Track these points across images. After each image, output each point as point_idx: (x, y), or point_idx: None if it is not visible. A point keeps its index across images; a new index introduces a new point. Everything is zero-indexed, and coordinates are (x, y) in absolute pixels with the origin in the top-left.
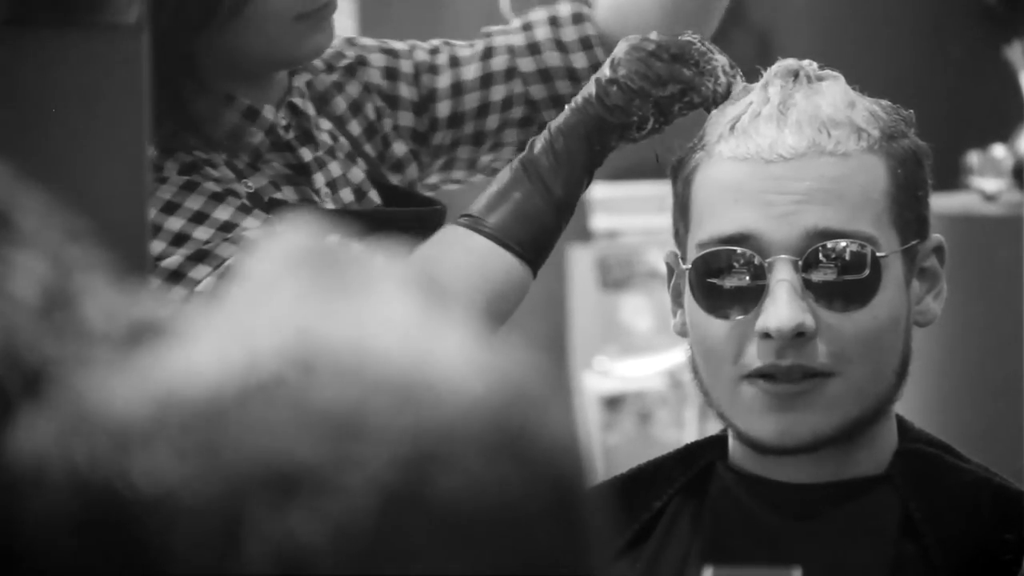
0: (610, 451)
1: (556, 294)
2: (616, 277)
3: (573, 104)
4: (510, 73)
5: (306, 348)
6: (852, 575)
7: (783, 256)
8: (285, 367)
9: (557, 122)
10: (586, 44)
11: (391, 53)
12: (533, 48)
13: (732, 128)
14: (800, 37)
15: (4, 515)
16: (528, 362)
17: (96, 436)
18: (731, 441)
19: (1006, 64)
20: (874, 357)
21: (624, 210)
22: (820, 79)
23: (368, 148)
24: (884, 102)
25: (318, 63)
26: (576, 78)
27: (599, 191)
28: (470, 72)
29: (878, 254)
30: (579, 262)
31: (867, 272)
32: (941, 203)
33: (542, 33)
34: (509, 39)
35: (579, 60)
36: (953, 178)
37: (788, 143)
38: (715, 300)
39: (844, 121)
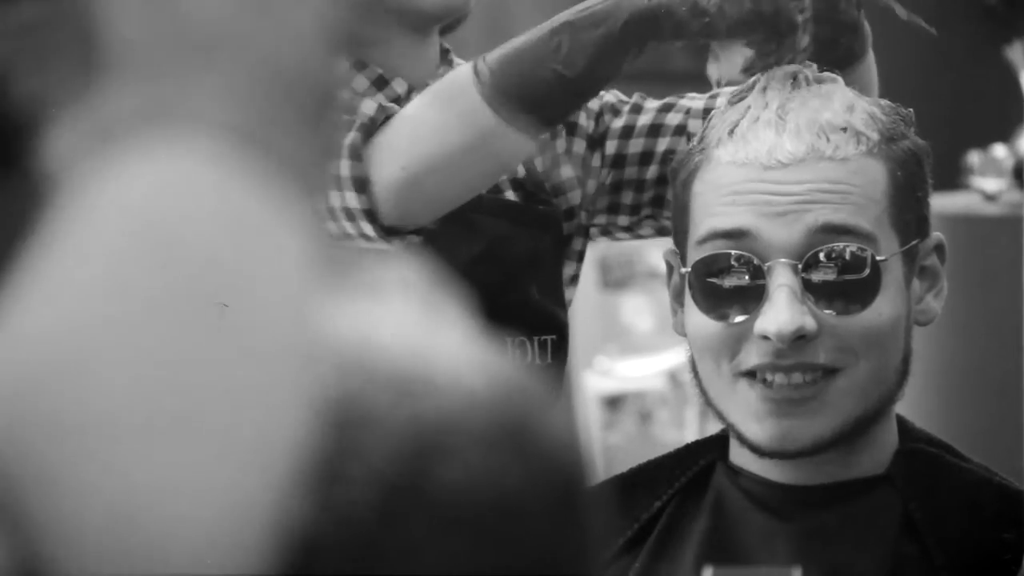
0: (610, 451)
1: None
2: (616, 277)
3: None
4: (680, 129)
5: (308, 342)
6: (852, 575)
7: (783, 260)
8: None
9: None
10: None
11: None
12: (708, 113)
13: (731, 132)
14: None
15: None
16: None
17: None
18: (731, 441)
19: (1006, 64)
20: (875, 356)
21: None
22: (819, 82)
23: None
24: (883, 102)
25: None
26: None
27: None
28: (643, 119)
29: (878, 257)
30: None
31: (867, 273)
32: (941, 203)
33: (722, 101)
34: (692, 102)
35: None
36: (953, 178)
37: (787, 149)
38: (714, 301)
39: (843, 125)
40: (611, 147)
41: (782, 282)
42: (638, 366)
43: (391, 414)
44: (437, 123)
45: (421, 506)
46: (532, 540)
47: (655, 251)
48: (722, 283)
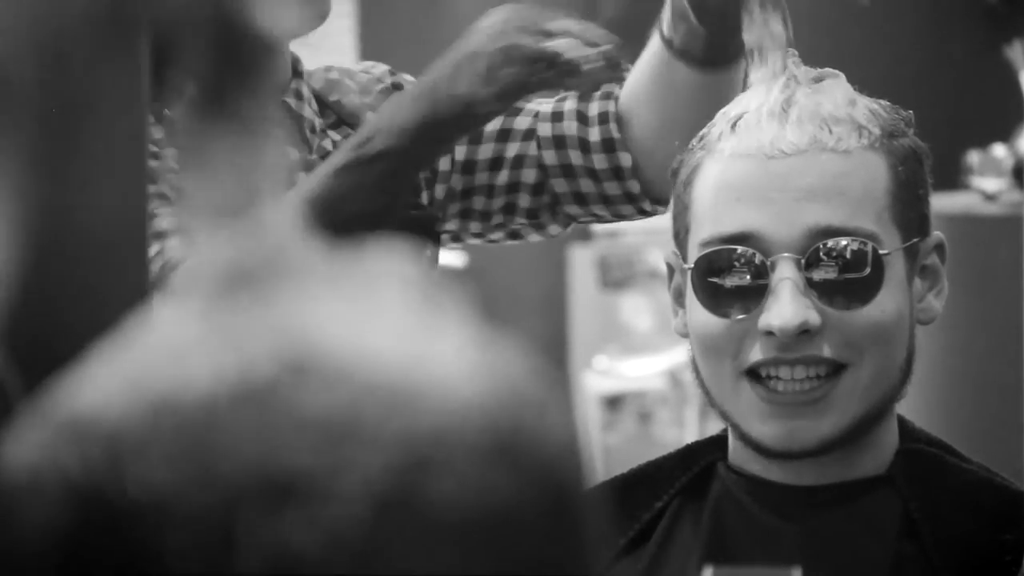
0: (610, 451)
1: (556, 294)
2: (616, 277)
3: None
4: (529, 134)
5: (298, 353)
6: (852, 575)
7: (785, 255)
8: (278, 373)
9: None
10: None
11: None
12: (558, 116)
13: (734, 126)
14: (800, 37)
15: None
16: (525, 363)
17: (89, 443)
18: (731, 441)
19: (1006, 64)
20: (879, 353)
21: None
22: (820, 78)
23: None
24: (883, 102)
25: (351, 83)
26: (588, 150)
27: None
28: (493, 124)
29: (880, 252)
30: (579, 262)
31: (869, 270)
32: (941, 203)
33: (569, 104)
34: (540, 106)
35: (594, 135)
36: (953, 178)
37: (789, 139)
38: (717, 299)
39: (845, 118)
40: (460, 152)
41: (785, 276)
42: (638, 366)
43: (382, 428)
44: None
45: (413, 520)
46: (526, 551)
47: (655, 251)
48: (724, 281)
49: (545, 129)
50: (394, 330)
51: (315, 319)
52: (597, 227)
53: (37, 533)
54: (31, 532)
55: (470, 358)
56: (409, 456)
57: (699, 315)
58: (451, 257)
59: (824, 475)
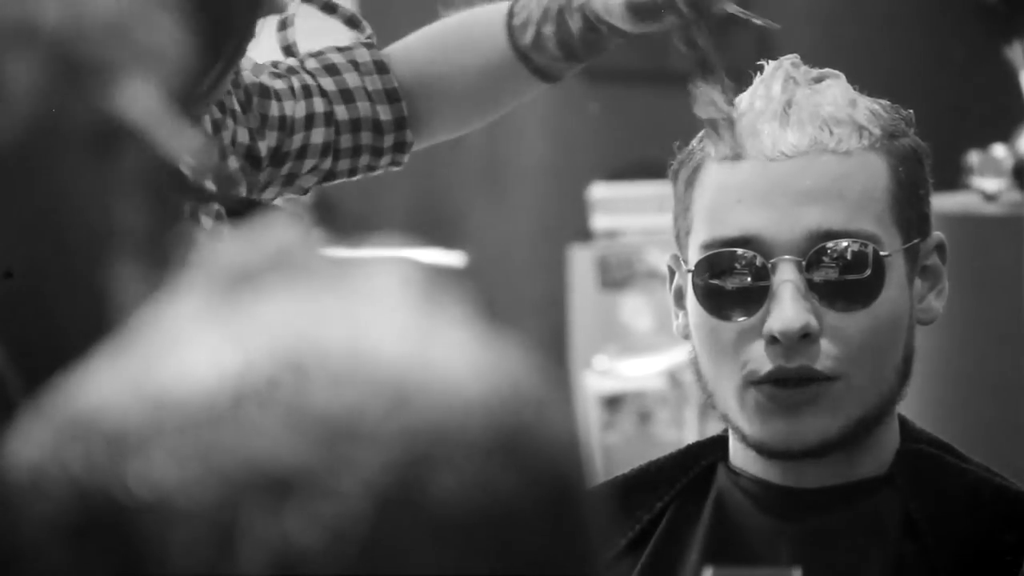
0: (610, 451)
1: (556, 294)
2: (616, 277)
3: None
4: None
5: (299, 351)
6: None
7: (786, 257)
8: (278, 370)
9: None
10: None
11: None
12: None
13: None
14: (800, 37)
15: (0, 522)
16: (527, 361)
17: (91, 441)
18: (732, 442)
19: (1006, 64)
20: (878, 356)
21: (624, 210)
22: (820, 78)
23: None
24: (883, 101)
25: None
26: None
27: (599, 191)
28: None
29: (881, 253)
30: (579, 262)
31: (869, 272)
32: (941, 203)
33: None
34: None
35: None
36: (953, 178)
37: (790, 141)
38: (718, 302)
39: (845, 119)
40: (272, 140)
41: (786, 278)
42: (638, 366)
43: (383, 425)
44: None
45: (414, 517)
46: (527, 548)
47: (655, 251)
48: (725, 283)
49: (341, 112)
50: (395, 328)
51: (316, 317)
52: (597, 227)
53: (40, 532)
54: (34, 531)
55: (471, 356)
56: (410, 453)
57: (701, 317)
58: (451, 257)
59: (825, 476)
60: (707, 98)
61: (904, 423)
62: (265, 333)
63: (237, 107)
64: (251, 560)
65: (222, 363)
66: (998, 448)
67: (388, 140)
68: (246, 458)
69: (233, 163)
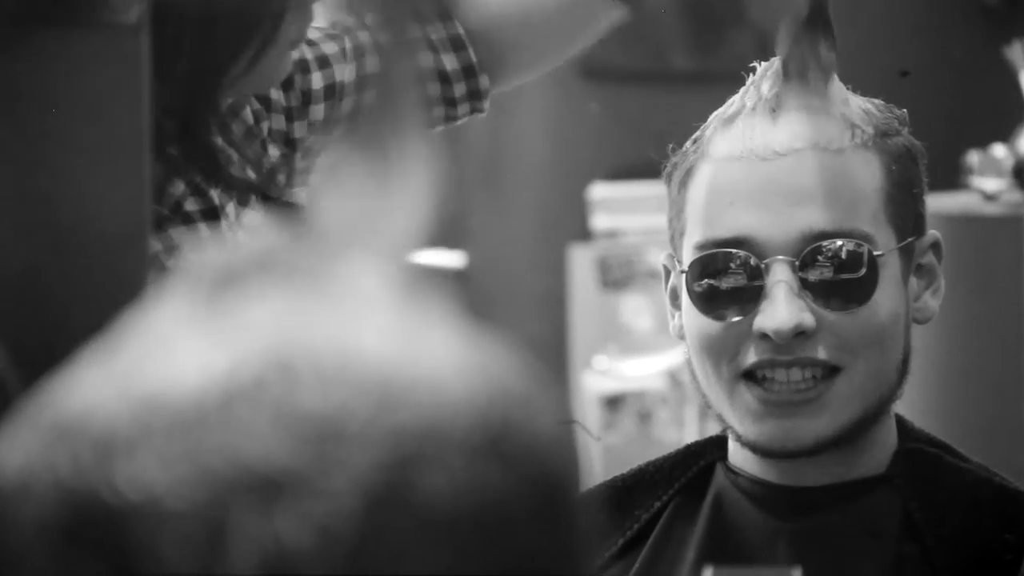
0: (610, 451)
1: (556, 294)
2: (616, 277)
3: None
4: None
5: (287, 352)
6: (852, 575)
7: (780, 257)
8: (266, 371)
9: None
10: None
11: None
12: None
13: (726, 127)
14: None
15: None
16: (514, 359)
17: (80, 444)
18: (731, 442)
19: (1006, 64)
20: (875, 354)
21: (624, 210)
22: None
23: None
24: (877, 101)
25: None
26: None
27: (599, 191)
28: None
29: (875, 252)
30: (579, 262)
31: (864, 271)
32: (941, 203)
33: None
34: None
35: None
36: (953, 178)
37: (781, 139)
38: (712, 302)
39: (838, 117)
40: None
41: (780, 278)
42: (638, 366)
43: (372, 424)
44: None
45: (404, 516)
46: (517, 546)
47: (655, 251)
48: (719, 284)
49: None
50: (382, 328)
51: (303, 318)
52: (597, 227)
53: (29, 535)
54: (23, 534)
55: (459, 355)
56: (399, 452)
57: (694, 318)
58: (451, 257)
59: (823, 475)
60: (808, 43)
61: (902, 423)
62: (252, 334)
63: (273, 94)
64: (241, 560)
65: (210, 364)
66: (998, 448)
67: (459, 89)
68: (235, 459)
69: (273, 152)
